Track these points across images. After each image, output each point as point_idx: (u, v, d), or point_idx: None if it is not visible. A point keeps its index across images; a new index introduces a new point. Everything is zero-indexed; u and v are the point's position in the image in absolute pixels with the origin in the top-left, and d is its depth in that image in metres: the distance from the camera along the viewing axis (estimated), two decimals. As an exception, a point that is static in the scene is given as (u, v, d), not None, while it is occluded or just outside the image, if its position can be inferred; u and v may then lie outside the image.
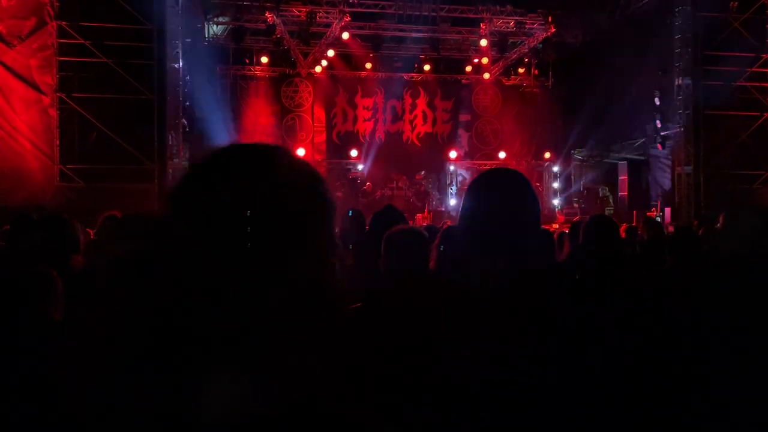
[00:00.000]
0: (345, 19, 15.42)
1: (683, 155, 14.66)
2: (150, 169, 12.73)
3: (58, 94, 12.48)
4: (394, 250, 2.72)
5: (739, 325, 2.30)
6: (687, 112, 14.55)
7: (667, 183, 15.42)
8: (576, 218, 14.80)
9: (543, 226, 9.08)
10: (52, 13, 12.37)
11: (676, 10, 14.48)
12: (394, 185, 17.95)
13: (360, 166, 18.27)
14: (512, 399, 1.42)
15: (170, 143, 12.85)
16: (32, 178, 12.28)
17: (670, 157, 15.22)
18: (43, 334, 2.13)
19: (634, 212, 15.38)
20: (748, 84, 14.71)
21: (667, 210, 14.59)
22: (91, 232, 6.07)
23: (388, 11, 16.37)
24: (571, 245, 4.36)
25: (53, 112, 12.49)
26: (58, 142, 12.54)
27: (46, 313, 2.20)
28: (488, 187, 1.70)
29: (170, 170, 12.80)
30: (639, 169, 16.96)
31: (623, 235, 7.15)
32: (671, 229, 9.84)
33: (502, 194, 1.65)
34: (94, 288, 2.40)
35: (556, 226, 13.70)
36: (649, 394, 1.89)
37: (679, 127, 14.66)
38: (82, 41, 12.41)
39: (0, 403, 1.98)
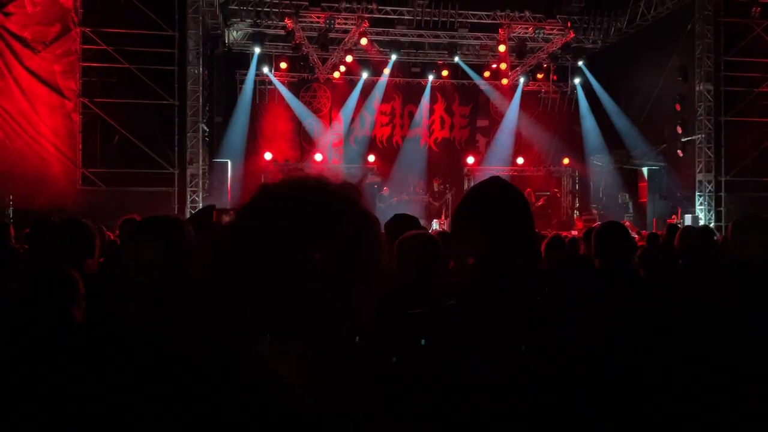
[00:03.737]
0: (363, 24, 15.50)
1: (704, 162, 14.50)
2: (170, 173, 12.90)
3: (81, 99, 12.71)
4: (405, 256, 2.73)
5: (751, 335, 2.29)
6: (708, 118, 14.40)
7: (687, 190, 15.24)
8: (595, 225, 14.69)
9: (562, 233, 9.04)
10: (76, 19, 12.61)
11: (697, 15, 14.33)
12: (411, 190, 17.94)
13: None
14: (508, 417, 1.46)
15: (190, 148, 13.00)
16: (55, 182, 12.49)
17: (690, 163, 15.04)
18: (64, 335, 2.17)
19: (654, 219, 15.24)
20: (770, 90, 14.53)
21: (688, 217, 14.43)
22: (111, 235, 6.18)
23: (406, 17, 16.43)
24: (586, 251, 4.34)
25: (76, 117, 12.72)
26: (80, 146, 12.77)
27: (68, 314, 2.24)
28: (469, 204, 1.74)
29: (189, 174, 12.95)
30: (659, 176, 16.78)
31: (644, 242, 7.10)
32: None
33: (485, 207, 1.69)
34: (108, 292, 2.44)
35: (574, 232, 13.60)
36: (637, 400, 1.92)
37: (700, 134, 14.51)
38: (105, 47, 12.63)
39: (21, 401, 2.03)
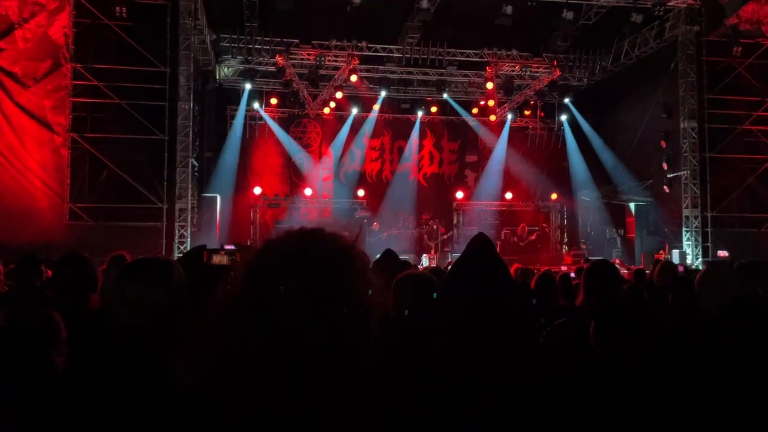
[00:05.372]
0: (353, 62, 15.70)
1: (690, 198, 14.66)
2: (158, 208, 12.85)
3: (70, 134, 12.68)
4: (402, 296, 2.74)
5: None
6: (693, 154, 14.61)
7: (674, 225, 15.37)
8: (583, 260, 14.71)
9: (552, 268, 9.14)
10: (67, 55, 12.67)
11: (680, 54, 14.67)
12: (401, 225, 17.97)
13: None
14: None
15: (179, 182, 12.98)
16: (42, 217, 12.38)
17: (677, 199, 15.21)
18: (44, 382, 2.10)
19: (642, 255, 15.31)
20: (753, 128, 14.80)
21: (675, 252, 14.52)
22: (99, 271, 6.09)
23: (395, 55, 16.68)
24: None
25: (65, 152, 12.68)
26: (68, 181, 12.69)
27: (48, 360, 2.17)
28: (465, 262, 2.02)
29: (178, 209, 12.89)
30: (646, 211, 16.94)
31: (632, 278, 7.10)
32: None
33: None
34: (108, 329, 2.38)
35: (563, 267, 13.64)
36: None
37: (686, 170, 14.70)
38: (96, 83, 12.66)
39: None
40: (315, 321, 0.95)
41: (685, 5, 14.29)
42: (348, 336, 0.98)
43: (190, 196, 13.31)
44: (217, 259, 2.35)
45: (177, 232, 12.81)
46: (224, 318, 0.99)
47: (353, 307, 0.99)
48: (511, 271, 6.93)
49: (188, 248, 12.53)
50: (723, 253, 13.93)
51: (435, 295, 2.66)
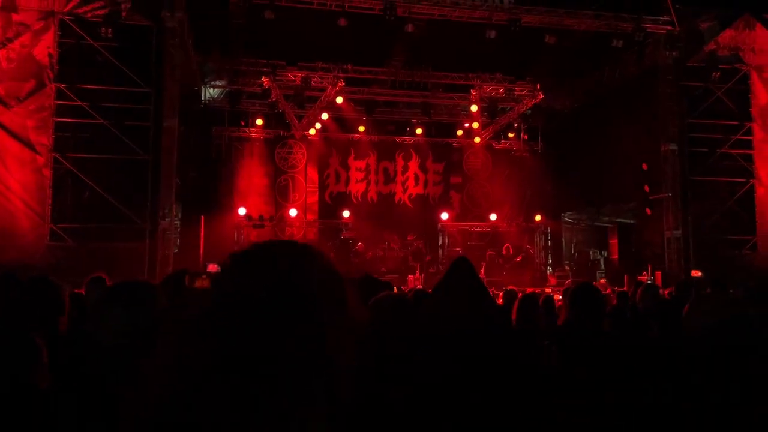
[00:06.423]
0: (339, 84, 15.80)
1: (672, 219, 14.82)
2: (141, 229, 12.72)
3: (53, 154, 12.57)
4: (380, 316, 2.77)
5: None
6: (674, 177, 14.80)
7: (656, 247, 15.52)
8: (568, 281, 14.76)
9: (535, 290, 9.24)
10: (51, 75, 12.60)
11: (660, 79, 14.93)
12: (386, 246, 17.96)
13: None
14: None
15: (163, 203, 12.88)
16: (22, 238, 12.21)
17: (659, 221, 15.37)
18: (26, 404, 2.08)
19: (626, 276, 15.41)
20: (732, 151, 15.05)
21: (658, 274, 14.63)
22: (82, 291, 6.01)
23: (381, 77, 16.82)
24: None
25: (47, 172, 12.55)
26: (50, 201, 12.55)
27: (29, 382, 2.14)
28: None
29: (161, 229, 12.77)
30: (629, 233, 17.11)
31: (615, 300, 7.15)
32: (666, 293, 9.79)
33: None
34: (80, 352, 2.36)
35: (548, 289, 13.68)
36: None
37: (667, 193, 14.88)
38: (80, 103, 12.59)
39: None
40: (294, 320, 0.95)
41: (664, 31, 14.60)
42: (331, 332, 0.98)
43: (173, 216, 13.21)
44: (199, 282, 2.34)
45: (160, 252, 12.68)
46: (196, 331, 0.98)
47: (329, 307, 0.99)
48: (501, 293, 6.99)
49: (171, 269, 12.41)
50: (696, 272, 14.06)
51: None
